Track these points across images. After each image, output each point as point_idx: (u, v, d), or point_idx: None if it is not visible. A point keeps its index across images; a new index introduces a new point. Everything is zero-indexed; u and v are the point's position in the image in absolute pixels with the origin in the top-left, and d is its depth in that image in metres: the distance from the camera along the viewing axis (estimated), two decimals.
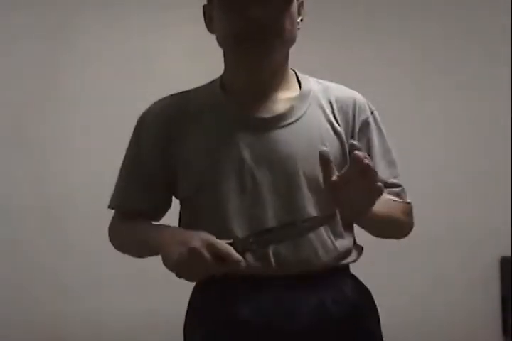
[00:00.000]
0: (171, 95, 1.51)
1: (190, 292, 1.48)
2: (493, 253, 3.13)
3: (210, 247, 1.21)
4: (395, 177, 1.46)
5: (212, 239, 1.23)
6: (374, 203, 1.21)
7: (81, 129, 2.94)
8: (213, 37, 2.95)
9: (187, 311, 1.48)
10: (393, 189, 1.45)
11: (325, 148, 1.20)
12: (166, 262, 1.27)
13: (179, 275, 1.26)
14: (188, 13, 3.04)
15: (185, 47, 3.05)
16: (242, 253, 1.23)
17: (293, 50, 1.43)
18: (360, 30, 3.13)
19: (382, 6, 3.15)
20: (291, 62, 1.45)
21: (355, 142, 1.20)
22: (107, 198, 2.86)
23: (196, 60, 3.02)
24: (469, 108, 3.15)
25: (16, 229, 2.86)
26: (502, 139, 3.15)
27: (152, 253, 1.35)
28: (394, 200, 1.43)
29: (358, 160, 1.12)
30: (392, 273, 2.81)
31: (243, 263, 1.22)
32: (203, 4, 1.45)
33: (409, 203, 1.48)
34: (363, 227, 1.41)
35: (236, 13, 1.32)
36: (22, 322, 2.82)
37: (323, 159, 1.18)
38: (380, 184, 1.15)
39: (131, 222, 1.46)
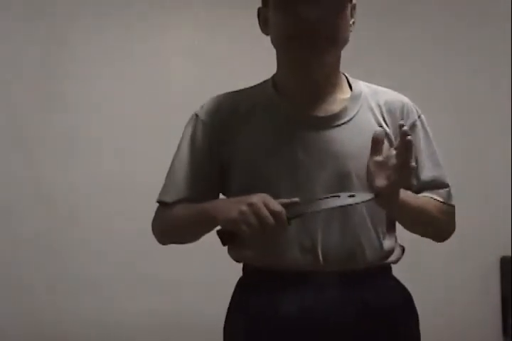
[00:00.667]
0: (224, 94, 1.52)
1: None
2: (493, 253, 3.13)
3: (267, 205, 1.22)
4: (440, 179, 1.49)
5: (269, 197, 1.25)
6: (405, 184, 1.28)
7: (81, 129, 2.93)
8: (213, 38, 2.95)
9: (229, 306, 1.50)
10: (439, 190, 1.47)
11: (381, 129, 1.26)
12: (225, 219, 1.26)
13: (236, 234, 1.25)
14: (188, 15, 3.06)
15: (186, 49, 3.05)
16: (290, 219, 1.25)
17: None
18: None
19: (382, 5, 3.15)
20: None
21: (402, 122, 1.27)
22: (107, 198, 2.90)
23: (196, 61, 3.03)
24: (469, 108, 3.15)
25: (16, 229, 2.85)
26: (502, 139, 3.16)
27: (208, 223, 1.34)
28: (432, 198, 1.46)
29: (403, 135, 1.21)
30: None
31: (288, 227, 1.24)
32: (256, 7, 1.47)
33: (451, 205, 1.49)
34: (396, 220, 1.45)
35: (291, 14, 1.35)
36: (22, 323, 2.82)
37: (376, 139, 1.26)
38: (413, 164, 1.23)
39: (181, 205, 1.45)
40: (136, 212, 2.90)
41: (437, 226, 1.49)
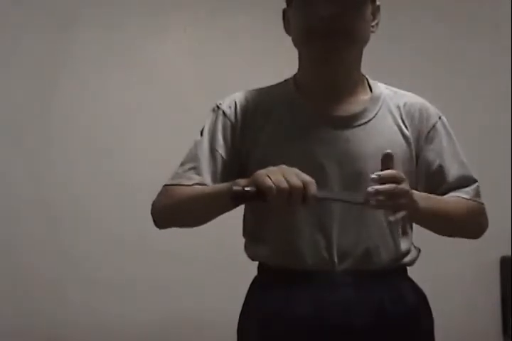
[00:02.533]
0: (245, 91, 1.52)
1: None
2: (493, 253, 3.13)
3: (297, 176, 1.19)
4: (467, 177, 1.49)
5: (298, 170, 1.21)
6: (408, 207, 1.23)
7: (81, 129, 2.94)
8: (213, 39, 2.93)
9: (243, 305, 1.50)
10: (466, 188, 1.47)
11: (389, 151, 1.22)
12: (257, 180, 1.20)
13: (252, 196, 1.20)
14: (188, 16, 3.06)
15: (186, 49, 3.05)
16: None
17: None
18: None
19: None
20: None
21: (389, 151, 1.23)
22: (106, 198, 2.89)
23: (196, 62, 3.03)
24: (469, 108, 3.15)
25: (16, 229, 2.85)
26: (502, 139, 3.16)
27: (223, 198, 1.26)
28: (459, 197, 1.45)
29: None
30: None
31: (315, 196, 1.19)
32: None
33: (480, 203, 1.49)
34: (423, 226, 1.43)
35: (309, 11, 1.37)
36: (21, 324, 2.82)
37: (386, 160, 1.21)
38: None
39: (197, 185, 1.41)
40: (136, 212, 2.90)
41: (467, 224, 1.49)
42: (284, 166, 1.22)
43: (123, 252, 2.89)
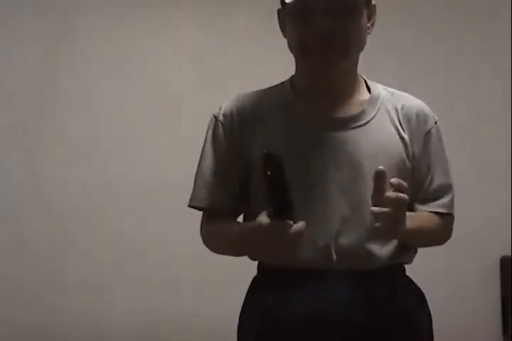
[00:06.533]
0: (242, 94, 1.53)
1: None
2: (493, 253, 3.13)
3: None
4: (447, 187, 1.51)
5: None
6: (398, 233, 1.30)
7: (81, 130, 2.93)
8: (213, 39, 2.92)
9: (243, 304, 1.51)
10: (443, 199, 1.50)
11: (381, 167, 1.23)
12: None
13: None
14: (187, 15, 3.06)
15: (185, 49, 3.05)
16: None
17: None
18: None
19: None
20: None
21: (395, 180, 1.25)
22: (106, 198, 2.89)
23: (195, 62, 3.03)
24: (469, 107, 3.15)
25: (17, 229, 2.85)
26: (502, 138, 3.16)
27: (243, 250, 1.43)
28: (432, 212, 1.48)
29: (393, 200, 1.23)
30: None
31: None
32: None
33: (451, 214, 1.52)
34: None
35: (306, 23, 1.37)
36: (21, 323, 2.82)
37: (379, 177, 1.22)
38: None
39: (219, 224, 1.49)
40: (135, 212, 2.90)
41: (436, 238, 1.55)
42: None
43: (123, 251, 2.89)
